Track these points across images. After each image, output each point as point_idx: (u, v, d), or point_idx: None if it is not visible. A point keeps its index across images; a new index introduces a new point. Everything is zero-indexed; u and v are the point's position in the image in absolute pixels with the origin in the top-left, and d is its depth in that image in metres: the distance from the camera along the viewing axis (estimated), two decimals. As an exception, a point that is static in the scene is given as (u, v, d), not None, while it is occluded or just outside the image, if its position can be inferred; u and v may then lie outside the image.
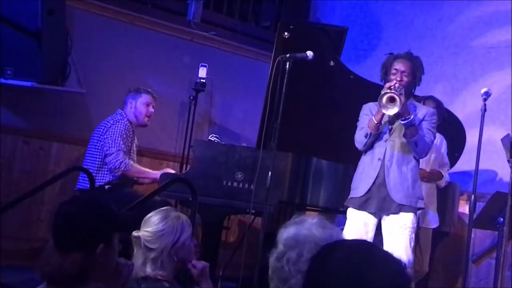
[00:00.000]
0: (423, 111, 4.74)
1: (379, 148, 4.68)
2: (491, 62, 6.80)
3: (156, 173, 5.58)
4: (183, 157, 6.41)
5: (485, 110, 4.82)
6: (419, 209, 4.74)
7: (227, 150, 5.33)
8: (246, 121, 7.16)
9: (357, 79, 5.87)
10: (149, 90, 5.77)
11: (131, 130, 5.59)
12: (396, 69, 4.65)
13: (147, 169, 5.67)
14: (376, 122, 4.60)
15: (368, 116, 4.72)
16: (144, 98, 5.69)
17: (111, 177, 5.42)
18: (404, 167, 4.64)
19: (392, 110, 4.45)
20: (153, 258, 3.03)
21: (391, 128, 4.68)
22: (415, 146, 4.58)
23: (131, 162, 5.51)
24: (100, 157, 5.45)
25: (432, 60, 7.16)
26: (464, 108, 6.66)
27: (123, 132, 5.48)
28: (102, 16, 6.31)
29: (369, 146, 4.71)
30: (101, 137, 5.47)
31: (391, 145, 4.65)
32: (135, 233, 3.08)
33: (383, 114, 4.55)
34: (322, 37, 6.00)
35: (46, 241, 2.44)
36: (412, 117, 4.52)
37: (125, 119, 5.57)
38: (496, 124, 6.35)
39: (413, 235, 4.68)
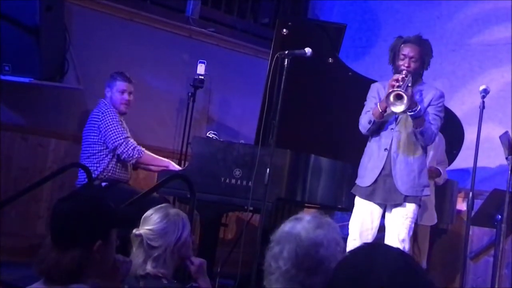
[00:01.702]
0: (430, 95, 4.74)
1: (385, 138, 4.71)
2: (490, 60, 6.80)
3: (168, 162, 5.58)
4: (181, 154, 6.41)
5: (483, 107, 4.84)
6: (425, 195, 4.79)
7: (225, 147, 5.33)
8: (245, 118, 7.15)
9: (355, 76, 5.86)
10: (125, 74, 5.60)
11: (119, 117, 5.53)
12: (404, 55, 4.66)
13: (158, 157, 5.66)
14: (380, 111, 4.62)
15: (375, 98, 4.74)
16: (118, 85, 5.54)
17: (111, 168, 5.39)
18: (411, 157, 4.69)
19: (400, 108, 4.45)
20: (156, 256, 3.02)
21: (397, 118, 4.69)
22: (422, 136, 4.62)
23: (143, 148, 5.49)
24: (97, 149, 5.39)
25: (431, 57, 7.15)
26: (462, 106, 6.66)
27: (117, 120, 5.42)
28: (100, 12, 6.29)
29: (373, 132, 4.73)
30: (96, 131, 5.38)
31: (397, 136, 4.68)
32: (136, 232, 3.07)
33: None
34: (321, 34, 5.99)
35: (44, 238, 2.43)
36: (419, 108, 4.54)
37: (111, 107, 5.47)
38: (495, 121, 6.35)
39: (413, 225, 4.78)
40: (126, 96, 5.57)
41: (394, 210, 4.71)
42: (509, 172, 4.94)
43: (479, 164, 4.89)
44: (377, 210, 4.74)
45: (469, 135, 5.96)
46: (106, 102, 5.53)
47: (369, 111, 4.71)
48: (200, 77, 6.40)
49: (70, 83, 5.83)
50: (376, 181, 4.69)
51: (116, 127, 5.39)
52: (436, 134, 4.79)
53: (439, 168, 5.87)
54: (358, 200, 4.80)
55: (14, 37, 5.17)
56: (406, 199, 4.67)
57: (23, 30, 5.18)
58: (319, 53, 5.33)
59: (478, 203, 5.22)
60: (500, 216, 5.08)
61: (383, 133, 4.72)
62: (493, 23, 6.85)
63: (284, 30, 5.63)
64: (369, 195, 4.72)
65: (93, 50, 6.19)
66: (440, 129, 5.80)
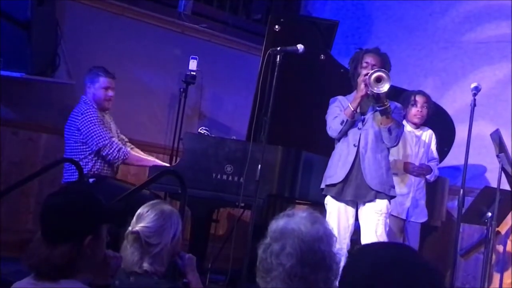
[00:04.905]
0: (393, 104, 4.86)
1: (353, 135, 4.80)
2: (481, 57, 6.81)
3: (154, 160, 5.55)
4: (173, 150, 6.40)
5: (474, 105, 4.86)
6: (392, 197, 4.85)
7: (216, 143, 5.32)
8: (236, 114, 7.15)
9: (347, 73, 5.85)
10: (107, 70, 5.51)
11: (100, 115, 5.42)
12: (367, 62, 4.80)
13: (145, 156, 5.62)
14: (352, 109, 4.72)
15: (339, 107, 4.84)
16: (102, 82, 5.42)
17: (97, 168, 5.36)
18: (379, 154, 4.79)
19: (385, 87, 4.57)
20: (155, 253, 3.01)
21: (364, 118, 4.80)
22: (389, 133, 4.72)
23: (129, 149, 5.45)
24: (80, 148, 5.33)
25: (423, 55, 7.17)
26: (453, 103, 6.67)
27: (98, 120, 5.29)
28: (92, 7, 6.27)
29: (344, 134, 4.81)
30: (76, 133, 5.29)
31: (364, 134, 4.78)
32: (132, 229, 3.06)
33: (360, 101, 4.68)
34: (313, 30, 5.99)
35: (35, 233, 2.42)
36: (388, 104, 4.66)
37: (91, 106, 5.34)
38: (486, 119, 6.37)
39: (387, 220, 4.84)
40: (110, 92, 5.47)
41: (368, 205, 4.77)
42: (500, 169, 4.96)
43: (470, 161, 4.90)
44: (350, 208, 4.81)
45: (460, 133, 5.98)
46: (87, 100, 5.40)
47: (337, 116, 4.79)
48: (192, 73, 6.39)
49: (62, 78, 5.81)
50: (347, 177, 4.74)
51: (99, 128, 5.26)
52: (401, 136, 4.87)
53: (430, 165, 5.87)
54: (330, 200, 4.83)
55: (6, 32, 5.15)
56: (377, 195, 4.74)
57: (15, 24, 5.16)
58: (311, 49, 5.34)
59: (469, 200, 5.24)
60: (490, 214, 5.09)
61: (351, 132, 4.79)
62: (485, 20, 6.86)
63: (276, 27, 5.63)
64: (339, 194, 4.77)
65: (85, 45, 6.18)
66: (431, 126, 5.85)
